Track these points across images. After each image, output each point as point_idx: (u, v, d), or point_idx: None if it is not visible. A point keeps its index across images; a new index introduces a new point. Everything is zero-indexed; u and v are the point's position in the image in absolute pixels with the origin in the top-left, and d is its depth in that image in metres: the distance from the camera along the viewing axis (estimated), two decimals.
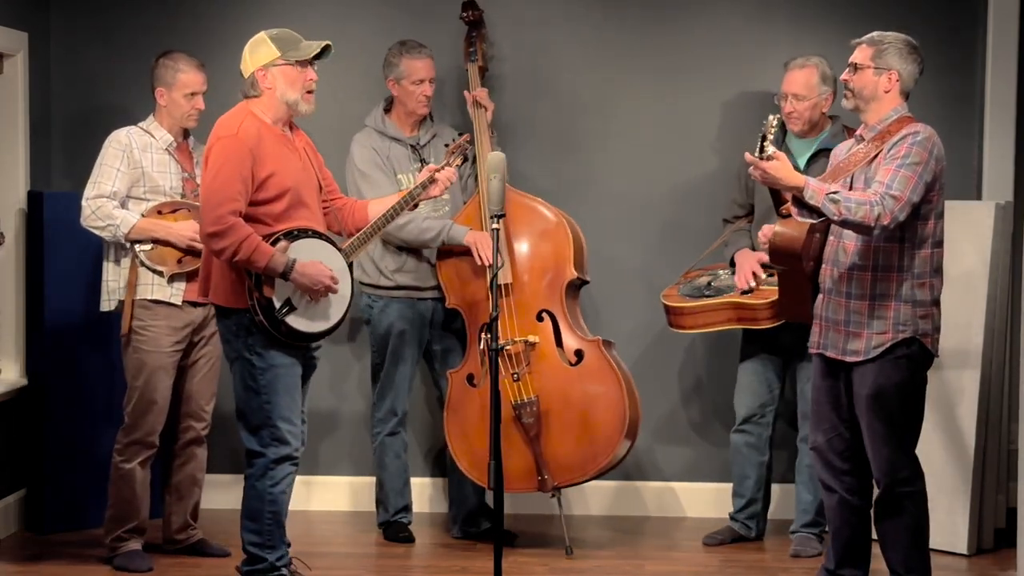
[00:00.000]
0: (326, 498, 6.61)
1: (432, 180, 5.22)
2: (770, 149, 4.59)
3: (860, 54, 4.81)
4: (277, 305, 4.88)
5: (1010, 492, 6.25)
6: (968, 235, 5.84)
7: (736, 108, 6.40)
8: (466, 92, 6.07)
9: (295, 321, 4.92)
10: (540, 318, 5.81)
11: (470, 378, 5.85)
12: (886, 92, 4.78)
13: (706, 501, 6.51)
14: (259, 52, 4.95)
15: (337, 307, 5.03)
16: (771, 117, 4.67)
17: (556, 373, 5.77)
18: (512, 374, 5.75)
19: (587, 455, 5.74)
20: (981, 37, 6.31)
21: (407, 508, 6.12)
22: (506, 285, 5.80)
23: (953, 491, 5.82)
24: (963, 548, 5.86)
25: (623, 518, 6.50)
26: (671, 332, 6.03)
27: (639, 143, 6.50)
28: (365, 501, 6.58)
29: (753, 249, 5.96)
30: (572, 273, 5.82)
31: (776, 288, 5.67)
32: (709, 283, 5.90)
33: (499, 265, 4.78)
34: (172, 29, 6.47)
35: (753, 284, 5.80)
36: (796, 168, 5.84)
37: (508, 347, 5.75)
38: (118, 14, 6.55)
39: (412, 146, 5.95)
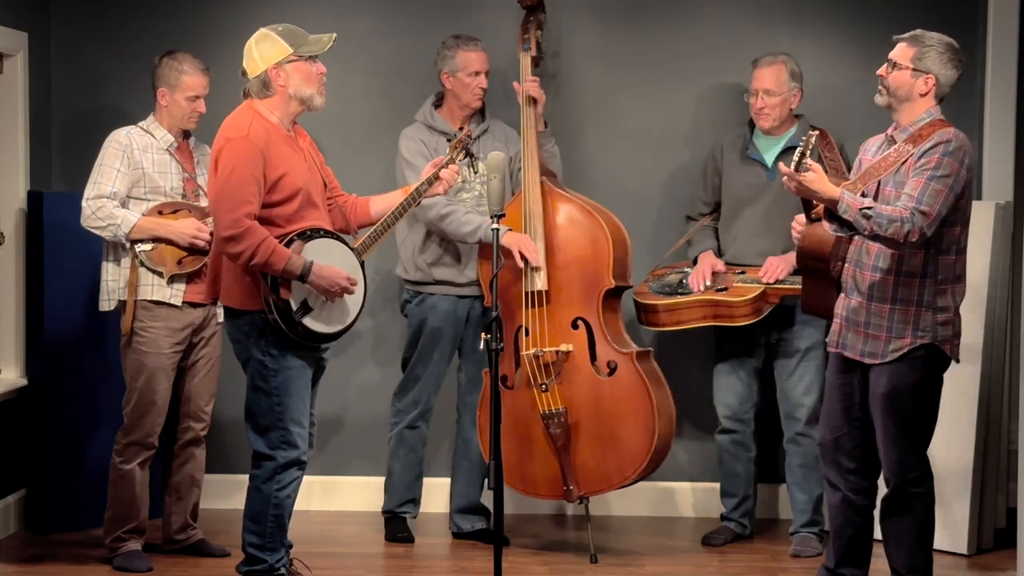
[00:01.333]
0: (327, 498, 6.60)
1: (436, 177, 5.20)
2: (808, 163, 4.55)
3: (900, 52, 4.76)
4: (294, 307, 4.82)
5: (1010, 492, 6.26)
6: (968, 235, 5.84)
7: (738, 107, 6.38)
8: (515, 84, 5.96)
9: (311, 323, 4.87)
10: (575, 326, 5.73)
11: (503, 379, 5.81)
12: (921, 95, 4.74)
13: (706, 501, 6.51)
14: (270, 50, 4.87)
15: (352, 307, 5.00)
16: (811, 133, 4.63)
17: (587, 384, 5.71)
18: (540, 385, 5.71)
19: (613, 469, 5.70)
20: (981, 37, 6.31)
21: (413, 502, 6.09)
22: (542, 292, 5.74)
23: (953, 491, 5.83)
24: (963, 548, 5.87)
25: (623, 518, 6.50)
26: (656, 333, 6.03)
27: (642, 143, 6.49)
28: (366, 501, 6.58)
29: (719, 249, 5.99)
30: (610, 282, 5.71)
31: (753, 286, 5.73)
32: (681, 280, 5.92)
33: (500, 265, 4.76)
34: (172, 29, 6.47)
35: (703, 288, 5.83)
36: (764, 166, 5.90)
37: (540, 355, 5.72)
38: (118, 14, 6.55)
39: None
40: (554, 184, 5.88)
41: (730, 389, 6.02)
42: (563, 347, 5.71)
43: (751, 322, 5.77)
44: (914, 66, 4.72)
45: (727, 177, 6.02)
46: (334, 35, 4.96)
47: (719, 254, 6.00)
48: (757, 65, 5.90)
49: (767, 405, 6.12)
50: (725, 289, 5.80)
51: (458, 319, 5.94)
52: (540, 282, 5.74)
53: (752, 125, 6.00)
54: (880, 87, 4.78)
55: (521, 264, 5.70)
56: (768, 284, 5.73)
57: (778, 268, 5.77)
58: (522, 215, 5.78)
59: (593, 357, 5.72)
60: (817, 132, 4.69)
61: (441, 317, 5.91)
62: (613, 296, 5.79)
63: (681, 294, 5.87)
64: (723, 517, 6.13)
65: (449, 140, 5.68)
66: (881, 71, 4.78)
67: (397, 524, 6.07)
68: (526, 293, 5.74)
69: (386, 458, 6.14)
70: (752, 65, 5.92)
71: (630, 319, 6.16)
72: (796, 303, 5.81)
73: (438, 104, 5.99)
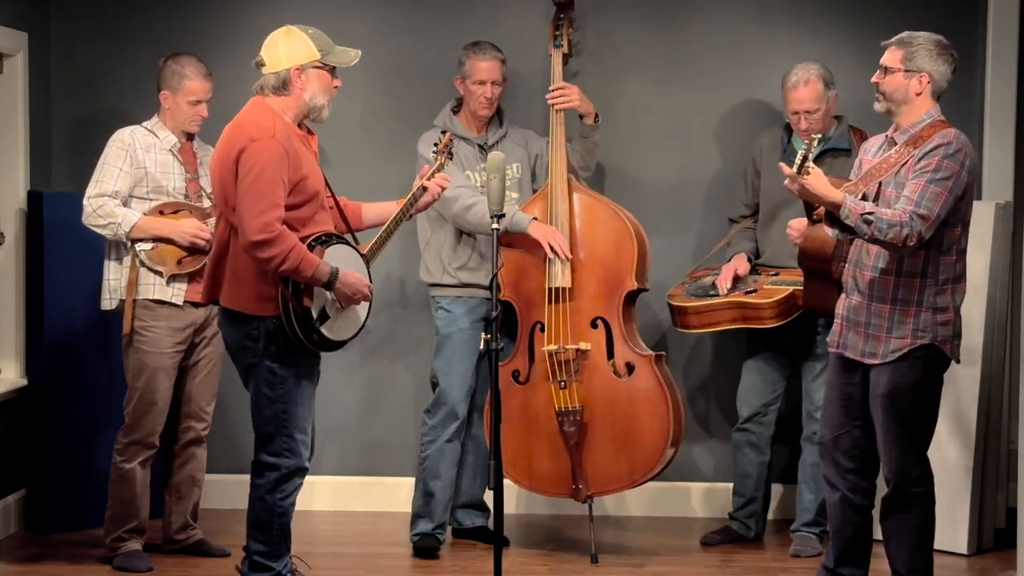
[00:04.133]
0: (326, 498, 6.60)
1: (424, 189, 5.17)
2: (810, 166, 4.55)
3: (890, 56, 4.76)
4: (315, 315, 4.74)
5: (1010, 492, 6.26)
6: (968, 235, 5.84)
7: (739, 108, 6.39)
8: (547, 96, 5.90)
9: (327, 330, 4.79)
10: (594, 325, 5.72)
11: (515, 374, 5.80)
12: (917, 94, 4.73)
13: (707, 501, 6.51)
14: (297, 49, 4.76)
15: (361, 312, 4.93)
16: (815, 137, 4.62)
17: (604, 384, 5.71)
18: (559, 382, 5.71)
19: (624, 470, 5.71)
20: (981, 37, 6.31)
21: (445, 525, 5.94)
22: (564, 289, 5.72)
23: (953, 491, 5.82)
24: (963, 548, 5.87)
25: (623, 518, 6.50)
26: (677, 332, 6.04)
27: (643, 144, 6.49)
28: (364, 501, 6.58)
29: (756, 251, 5.98)
30: (632, 283, 5.71)
31: (780, 288, 5.71)
32: (713, 283, 5.91)
33: (500, 265, 4.75)
34: (172, 29, 6.47)
35: (728, 287, 5.82)
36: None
37: (559, 353, 5.72)
38: (118, 14, 6.55)
39: (479, 145, 5.85)
40: (580, 182, 5.88)
41: (754, 390, 6.02)
42: (582, 345, 5.71)
43: (778, 324, 5.76)
44: (905, 67, 4.73)
45: (765, 179, 6.00)
46: (359, 52, 4.86)
47: (756, 256, 5.99)
48: (792, 87, 5.78)
49: (791, 406, 6.12)
50: (754, 291, 5.80)
51: (482, 320, 5.87)
52: (564, 279, 5.73)
53: (790, 128, 5.97)
54: (877, 94, 4.78)
55: (551, 255, 5.68)
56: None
57: None
58: (548, 211, 5.77)
59: (610, 357, 5.72)
60: (819, 136, 4.67)
61: (470, 321, 5.85)
62: (632, 298, 5.79)
63: (712, 296, 5.87)
64: (730, 516, 6.14)
65: (480, 146, 5.74)
66: (875, 78, 4.79)
67: (428, 541, 5.88)
68: (549, 289, 5.74)
69: (419, 479, 5.91)
70: (784, 85, 5.82)
71: (648, 321, 6.17)
72: None
73: (457, 109, 5.97)
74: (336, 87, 4.85)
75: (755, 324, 5.81)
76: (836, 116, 5.90)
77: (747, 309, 5.79)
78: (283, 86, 4.76)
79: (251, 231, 4.60)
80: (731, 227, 6.14)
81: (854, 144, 5.83)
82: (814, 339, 5.89)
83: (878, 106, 4.80)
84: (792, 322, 5.76)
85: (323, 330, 4.77)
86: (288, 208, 4.68)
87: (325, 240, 4.77)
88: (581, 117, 5.90)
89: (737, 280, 5.87)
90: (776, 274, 5.85)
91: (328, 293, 4.76)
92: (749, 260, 5.96)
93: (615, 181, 6.46)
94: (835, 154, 5.82)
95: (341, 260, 4.79)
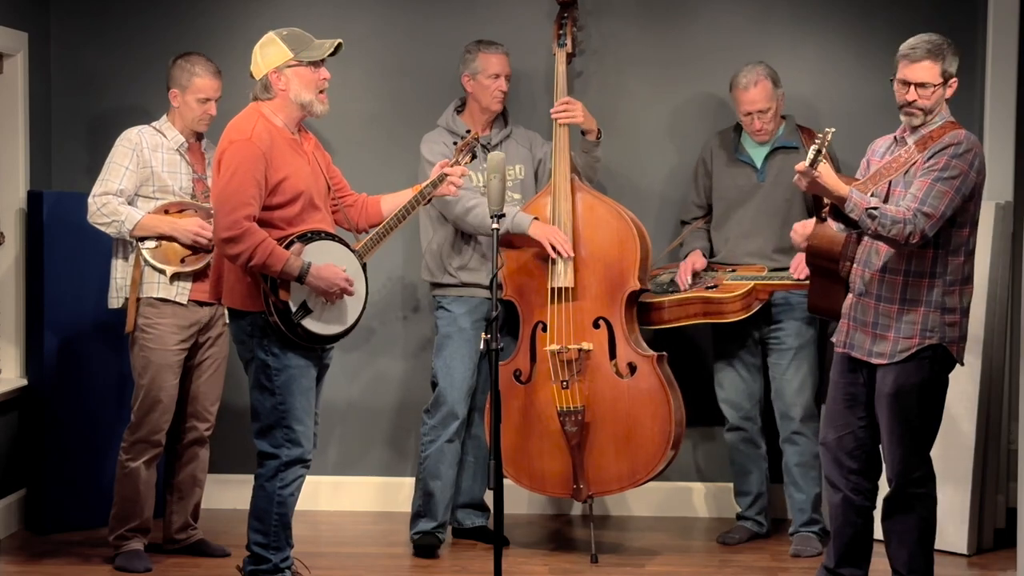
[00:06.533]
0: (328, 498, 6.60)
1: (443, 178, 5.19)
2: (821, 160, 4.54)
3: (928, 73, 4.69)
4: (293, 308, 4.84)
5: (1010, 492, 6.27)
6: None
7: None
8: (553, 111, 5.88)
9: (311, 324, 4.88)
10: (596, 325, 5.73)
11: (517, 374, 5.81)
12: (947, 99, 4.75)
13: (708, 501, 6.52)
14: (271, 54, 4.88)
15: (353, 308, 5.01)
16: (827, 131, 4.62)
17: (606, 384, 5.71)
18: (561, 382, 5.72)
19: (626, 470, 5.71)
20: (981, 37, 6.31)
21: (445, 525, 5.93)
22: (566, 289, 5.73)
23: (953, 491, 5.83)
24: (963, 548, 5.87)
25: (623, 518, 6.50)
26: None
27: (646, 143, 6.49)
28: (364, 501, 6.58)
29: (710, 249, 6.04)
30: (635, 284, 5.72)
31: (741, 283, 5.75)
32: (671, 280, 5.95)
33: (500, 265, 4.75)
34: (172, 29, 6.47)
35: (687, 285, 5.87)
36: (754, 167, 5.90)
37: (561, 353, 5.72)
38: (118, 14, 6.55)
39: (483, 145, 5.84)
40: (583, 182, 5.88)
41: (732, 387, 6.04)
42: (584, 345, 5.72)
43: (741, 318, 5.80)
44: (944, 79, 4.71)
45: (717, 179, 6.04)
46: (337, 41, 4.93)
47: (711, 255, 6.04)
48: (742, 88, 5.83)
49: (770, 403, 6.13)
50: (715, 287, 5.83)
51: (483, 320, 5.87)
52: (567, 279, 5.73)
53: (739, 128, 6.00)
54: (913, 110, 4.72)
55: (554, 255, 5.69)
56: (800, 280, 5.70)
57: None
58: (551, 211, 5.77)
59: (612, 357, 5.72)
60: (833, 129, 4.66)
61: (470, 320, 5.85)
62: (635, 298, 5.80)
63: (671, 292, 5.90)
64: (739, 516, 6.14)
65: (483, 146, 5.73)
66: (911, 96, 4.71)
67: (428, 539, 5.87)
68: (551, 289, 5.74)
69: (419, 479, 5.90)
70: (735, 88, 5.86)
71: None
72: (786, 300, 5.84)
73: (460, 109, 5.97)
74: (325, 79, 4.94)
75: (717, 319, 5.85)
76: (782, 115, 5.95)
77: (710, 304, 5.82)
78: (266, 90, 4.92)
79: (220, 228, 4.79)
80: (683, 229, 6.16)
81: (803, 143, 5.88)
82: (776, 335, 5.94)
83: (915, 121, 4.75)
84: (756, 316, 5.81)
85: (305, 323, 4.87)
86: (271, 208, 4.83)
87: (310, 237, 4.88)
88: (583, 133, 5.89)
89: (696, 276, 5.92)
90: (733, 270, 5.88)
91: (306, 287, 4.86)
92: (704, 256, 6.01)
93: (616, 181, 6.46)
94: (786, 152, 5.88)
95: (324, 256, 4.88)
